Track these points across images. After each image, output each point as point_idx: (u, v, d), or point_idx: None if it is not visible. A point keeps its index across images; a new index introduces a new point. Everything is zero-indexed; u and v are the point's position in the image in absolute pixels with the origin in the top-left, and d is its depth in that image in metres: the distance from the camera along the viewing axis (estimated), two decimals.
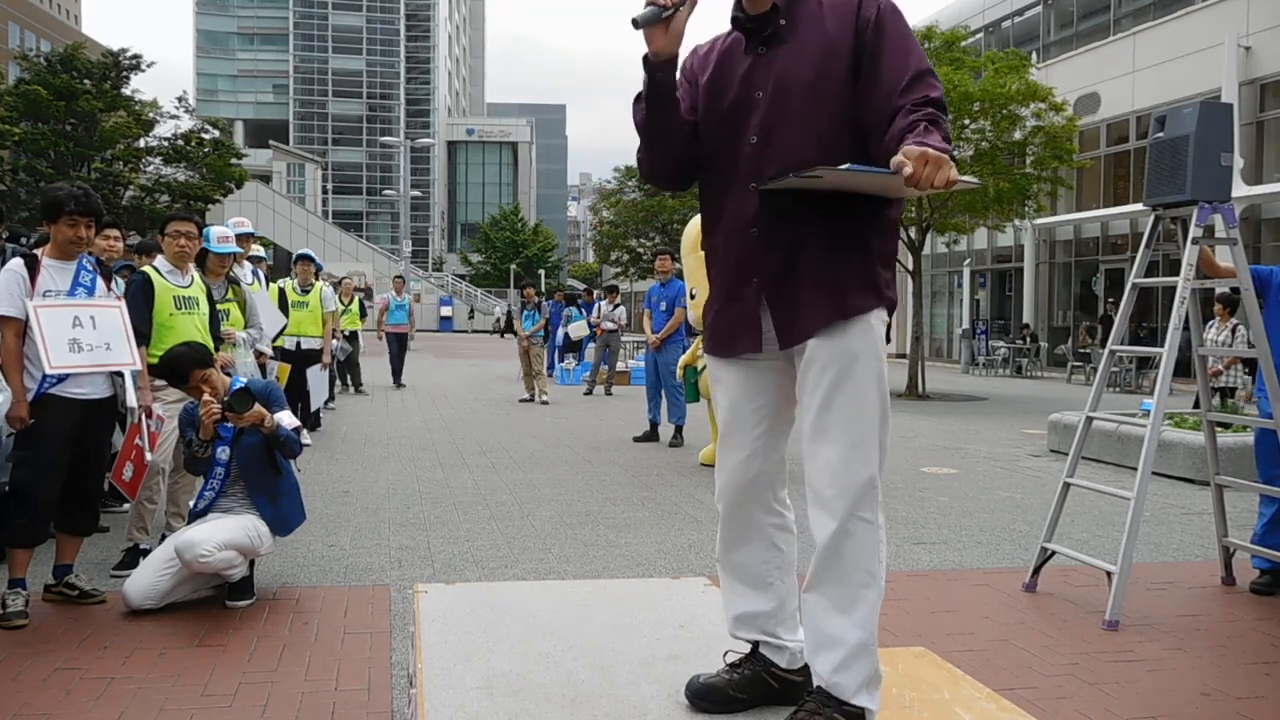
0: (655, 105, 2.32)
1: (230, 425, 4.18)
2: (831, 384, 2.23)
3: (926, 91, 2.15)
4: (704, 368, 7.97)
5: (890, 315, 2.33)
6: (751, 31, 2.35)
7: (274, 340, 6.85)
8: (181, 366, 4.19)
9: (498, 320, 46.40)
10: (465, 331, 47.27)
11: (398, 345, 15.58)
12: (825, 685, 2.20)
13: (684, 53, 2.37)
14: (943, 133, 2.07)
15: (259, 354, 5.99)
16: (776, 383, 2.37)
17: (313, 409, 9.37)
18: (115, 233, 5.66)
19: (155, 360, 4.61)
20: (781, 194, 2.23)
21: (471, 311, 48.64)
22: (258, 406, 4.12)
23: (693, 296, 7.73)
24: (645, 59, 2.28)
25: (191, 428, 4.23)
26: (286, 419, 4.26)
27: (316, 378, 9.33)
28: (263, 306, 6.49)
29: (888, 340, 2.36)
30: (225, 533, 3.98)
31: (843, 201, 2.24)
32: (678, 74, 2.35)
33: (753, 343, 2.34)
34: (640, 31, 2.23)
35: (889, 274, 2.33)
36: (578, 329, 17.46)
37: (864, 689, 2.19)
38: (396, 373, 15.63)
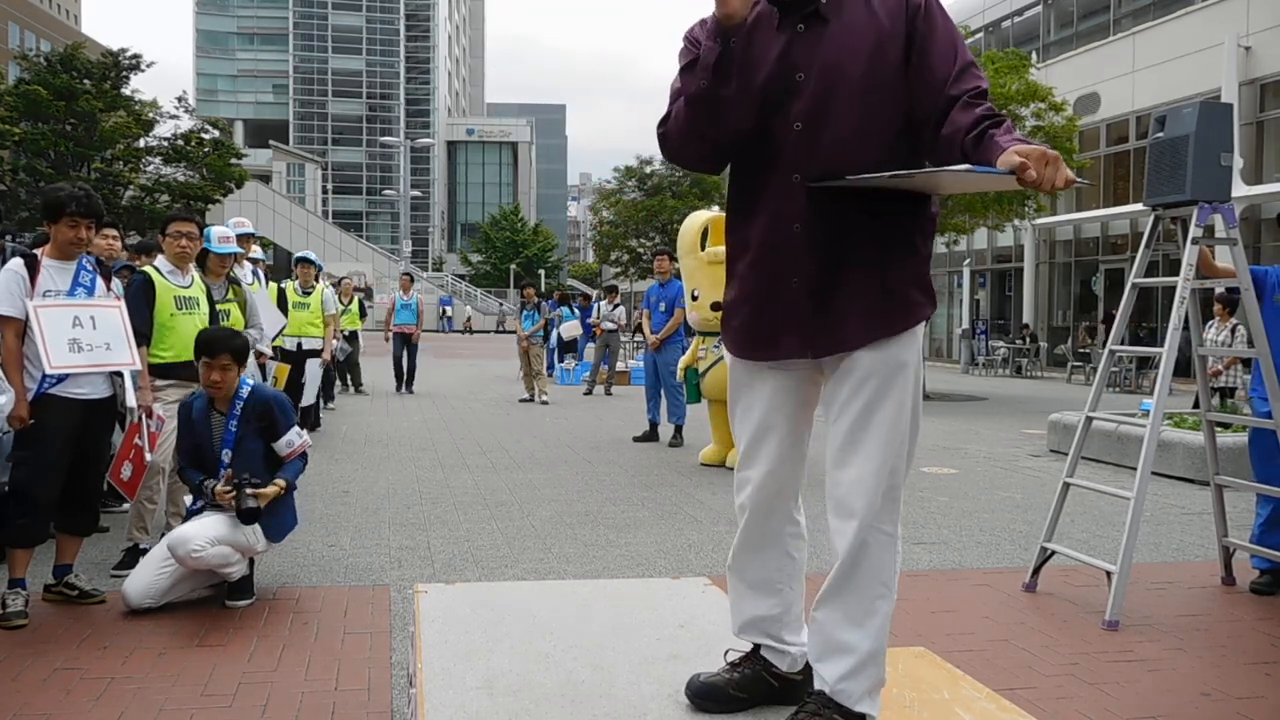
0: (720, 75, 2.12)
1: (234, 431, 4.19)
2: (873, 396, 2.14)
3: (977, 83, 2.11)
4: (706, 369, 7.96)
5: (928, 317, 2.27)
6: (787, 7, 2.19)
7: (274, 340, 6.84)
8: (216, 347, 4.17)
9: (467, 320, 49.33)
10: (437, 330, 47.43)
11: (403, 346, 14.45)
12: (829, 691, 2.18)
13: (689, 24, 2.26)
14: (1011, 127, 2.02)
15: (259, 354, 5.98)
16: (803, 389, 2.29)
17: (302, 404, 9.16)
18: (113, 232, 5.66)
19: (156, 360, 4.62)
20: (826, 188, 2.11)
21: (443, 310, 48.98)
22: (268, 492, 4.07)
23: (694, 297, 7.72)
24: (716, 22, 2.10)
25: (190, 427, 4.24)
26: (296, 439, 4.27)
27: (312, 374, 9.25)
28: (262, 306, 6.48)
29: None
30: (218, 529, 3.98)
31: (888, 197, 2.13)
32: (683, 44, 2.21)
33: (796, 347, 2.20)
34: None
35: (928, 272, 2.26)
36: (569, 329, 17.46)
37: (868, 695, 2.18)
38: (400, 376, 14.54)
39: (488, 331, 48.36)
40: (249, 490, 4.00)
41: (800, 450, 2.33)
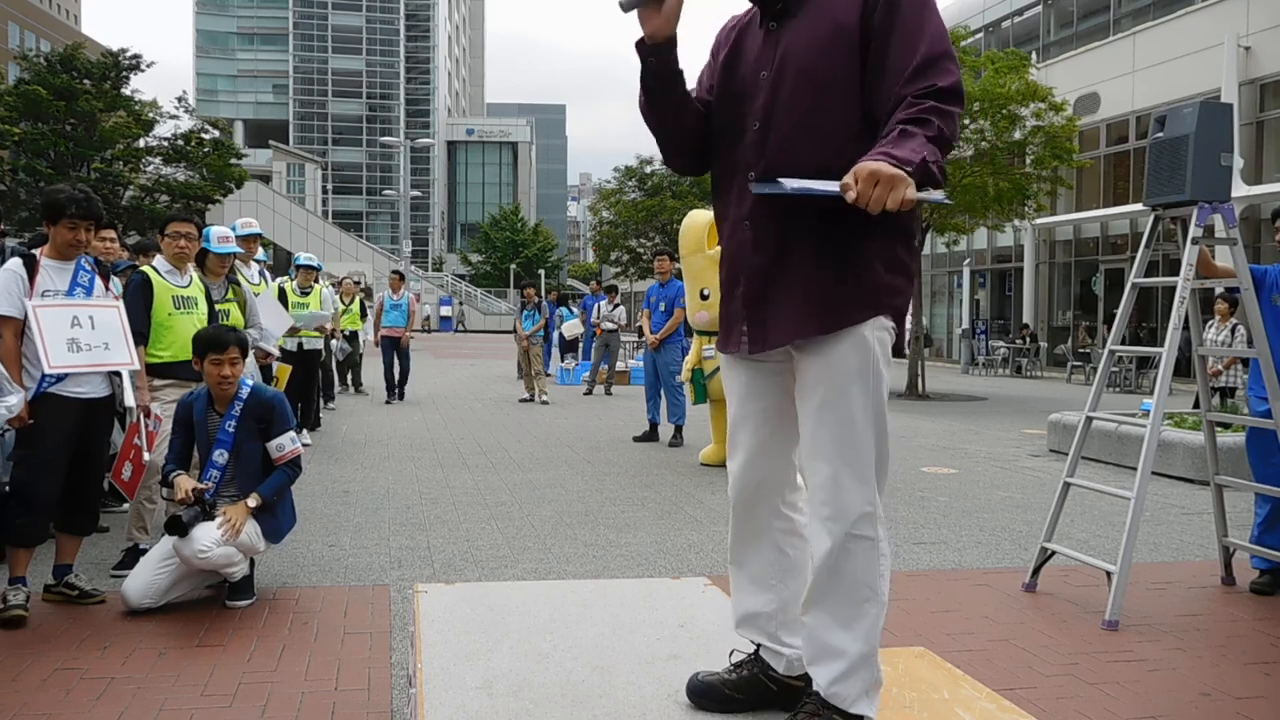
0: (651, 92, 2.18)
1: (231, 432, 4.19)
2: (821, 401, 2.13)
3: (934, 79, 1.96)
4: (713, 370, 7.94)
5: (899, 322, 2.18)
6: (765, 3, 2.19)
7: (278, 340, 6.81)
8: (223, 341, 4.15)
9: (425, 319, 49.03)
10: (423, 330, 47.25)
11: (392, 351, 13.28)
12: (824, 694, 2.18)
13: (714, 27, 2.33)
14: (930, 133, 1.88)
15: (265, 354, 5.98)
16: (781, 385, 2.31)
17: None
18: (110, 234, 5.65)
19: (154, 360, 4.62)
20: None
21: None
22: (236, 519, 3.99)
23: (704, 296, 7.68)
24: (639, 43, 2.12)
25: (188, 427, 4.24)
26: (289, 443, 4.25)
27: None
28: (270, 306, 6.47)
29: (900, 352, 2.23)
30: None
31: (835, 198, 2.09)
32: (679, 51, 2.19)
33: (739, 342, 2.27)
34: (634, 13, 2.09)
35: (895, 278, 2.16)
36: (571, 328, 17.48)
37: (864, 697, 2.18)
38: (391, 383, 13.35)
39: (445, 331, 47.79)
40: (203, 510, 3.95)
41: (781, 446, 2.34)
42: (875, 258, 2.14)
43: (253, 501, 4.07)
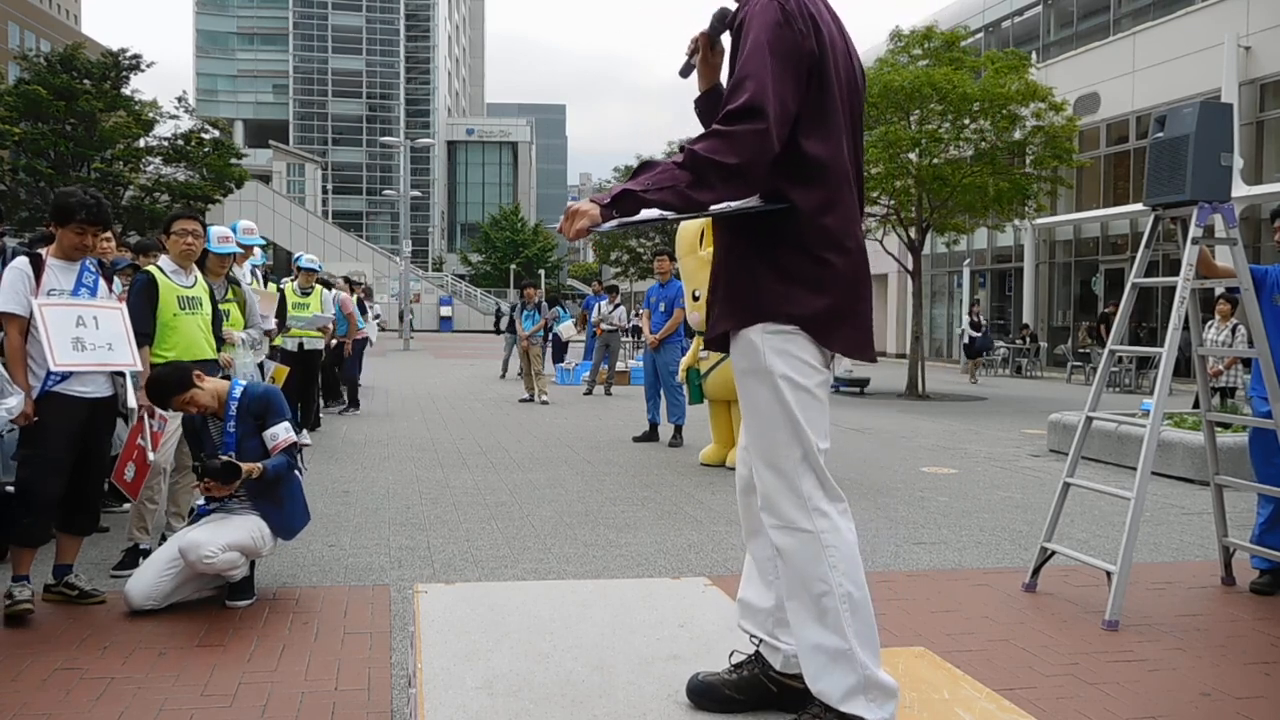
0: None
1: (233, 433, 4.19)
2: (741, 399, 2.31)
3: (727, 104, 2.09)
4: (708, 370, 7.96)
5: (801, 326, 2.21)
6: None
7: (273, 340, 6.81)
8: (163, 393, 4.16)
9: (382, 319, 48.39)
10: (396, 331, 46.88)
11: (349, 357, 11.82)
12: (814, 692, 2.20)
13: None
14: (678, 160, 2.04)
15: (266, 333, 5.97)
16: None
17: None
18: (108, 234, 5.65)
19: (159, 360, 4.62)
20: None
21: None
22: (242, 470, 4.04)
23: (695, 297, 7.72)
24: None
25: (197, 439, 4.30)
26: (283, 431, 4.24)
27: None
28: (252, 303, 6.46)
29: (865, 355, 2.30)
30: (229, 534, 3.98)
31: (738, 215, 2.25)
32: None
33: None
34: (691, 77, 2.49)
35: (791, 287, 2.21)
36: (566, 330, 17.47)
37: (854, 697, 2.15)
38: (352, 391, 12.06)
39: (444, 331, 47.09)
40: (215, 462, 4.01)
41: None
42: (765, 269, 2.25)
43: (257, 469, 4.09)
